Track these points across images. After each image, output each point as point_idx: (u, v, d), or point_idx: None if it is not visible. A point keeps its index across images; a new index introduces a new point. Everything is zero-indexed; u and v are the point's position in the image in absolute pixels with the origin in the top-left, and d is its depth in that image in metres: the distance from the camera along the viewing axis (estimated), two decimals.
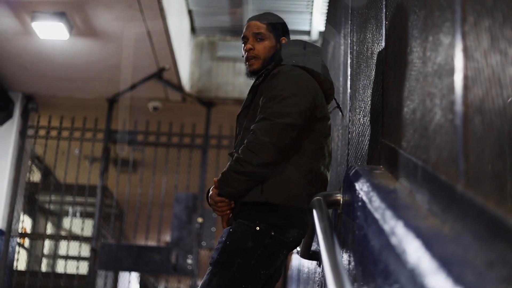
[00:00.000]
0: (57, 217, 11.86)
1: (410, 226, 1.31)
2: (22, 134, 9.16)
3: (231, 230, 2.67)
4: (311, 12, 8.45)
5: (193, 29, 9.24)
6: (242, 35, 2.98)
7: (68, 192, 9.46)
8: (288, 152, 2.66)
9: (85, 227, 9.49)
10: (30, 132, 9.29)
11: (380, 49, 2.46)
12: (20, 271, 9.47)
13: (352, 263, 2.02)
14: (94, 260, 8.60)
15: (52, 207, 11.01)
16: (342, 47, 4.27)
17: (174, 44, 7.84)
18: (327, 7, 7.70)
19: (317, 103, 2.75)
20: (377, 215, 1.55)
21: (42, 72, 8.51)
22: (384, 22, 2.42)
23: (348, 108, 3.11)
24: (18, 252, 9.33)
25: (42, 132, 9.35)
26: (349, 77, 3.54)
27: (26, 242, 10.64)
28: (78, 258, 9.49)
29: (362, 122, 2.84)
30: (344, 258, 2.20)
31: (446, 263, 1.06)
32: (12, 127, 9.04)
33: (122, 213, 10.49)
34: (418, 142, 1.66)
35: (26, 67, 8.35)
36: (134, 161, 9.69)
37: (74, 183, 9.11)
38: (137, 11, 6.97)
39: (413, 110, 1.77)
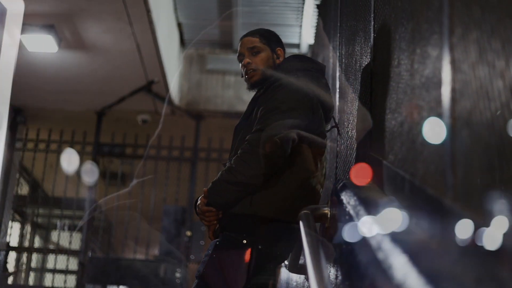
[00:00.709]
0: (45, 230, 11.77)
1: (397, 240, 1.29)
2: (10, 147, 9.10)
3: (217, 243, 2.64)
4: (301, 26, 8.46)
5: (182, 42, 9.24)
6: (237, 54, 2.97)
7: (55, 205, 9.39)
8: (281, 165, 2.64)
9: (73, 240, 9.41)
10: (19, 145, 9.23)
11: (368, 62, 2.46)
12: (8, 285, 9.37)
13: (340, 277, 2.01)
14: (82, 274, 8.53)
15: (40, 220, 10.93)
16: (331, 60, 4.26)
17: (163, 57, 7.82)
18: (316, 21, 7.71)
19: (315, 119, 2.73)
20: (364, 229, 1.53)
21: (31, 85, 8.46)
22: (372, 34, 2.41)
23: (337, 120, 3.10)
24: (7, 263, 9.24)
25: (30, 145, 9.29)
26: (337, 90, 3.53)
27: (13, 255, 10.54)
28: (66, 272, 9.41)
29: (350, 135, 2.82)
30: (331, 272, 2.18)
31: (434, 279, 1.04)
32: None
33: (111, 226, 10.42)
34: (406, 155, 1.64)
35: (15, 80, 8.30)
36: (122, 174, 9.62)
37: (62, 196, 9.05)
38: (126, 24, 6.95)
39: (401, 123, 1.75)
